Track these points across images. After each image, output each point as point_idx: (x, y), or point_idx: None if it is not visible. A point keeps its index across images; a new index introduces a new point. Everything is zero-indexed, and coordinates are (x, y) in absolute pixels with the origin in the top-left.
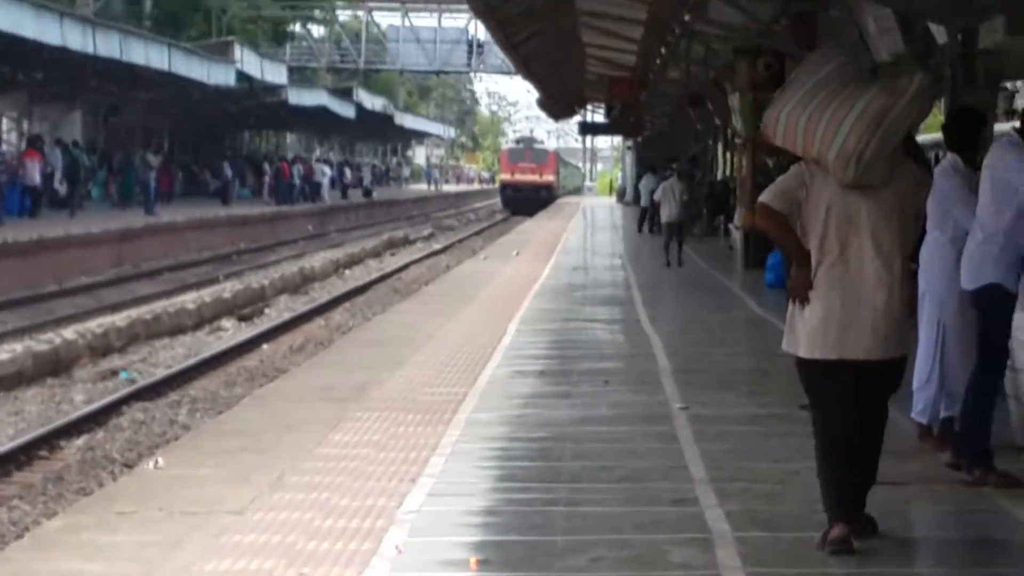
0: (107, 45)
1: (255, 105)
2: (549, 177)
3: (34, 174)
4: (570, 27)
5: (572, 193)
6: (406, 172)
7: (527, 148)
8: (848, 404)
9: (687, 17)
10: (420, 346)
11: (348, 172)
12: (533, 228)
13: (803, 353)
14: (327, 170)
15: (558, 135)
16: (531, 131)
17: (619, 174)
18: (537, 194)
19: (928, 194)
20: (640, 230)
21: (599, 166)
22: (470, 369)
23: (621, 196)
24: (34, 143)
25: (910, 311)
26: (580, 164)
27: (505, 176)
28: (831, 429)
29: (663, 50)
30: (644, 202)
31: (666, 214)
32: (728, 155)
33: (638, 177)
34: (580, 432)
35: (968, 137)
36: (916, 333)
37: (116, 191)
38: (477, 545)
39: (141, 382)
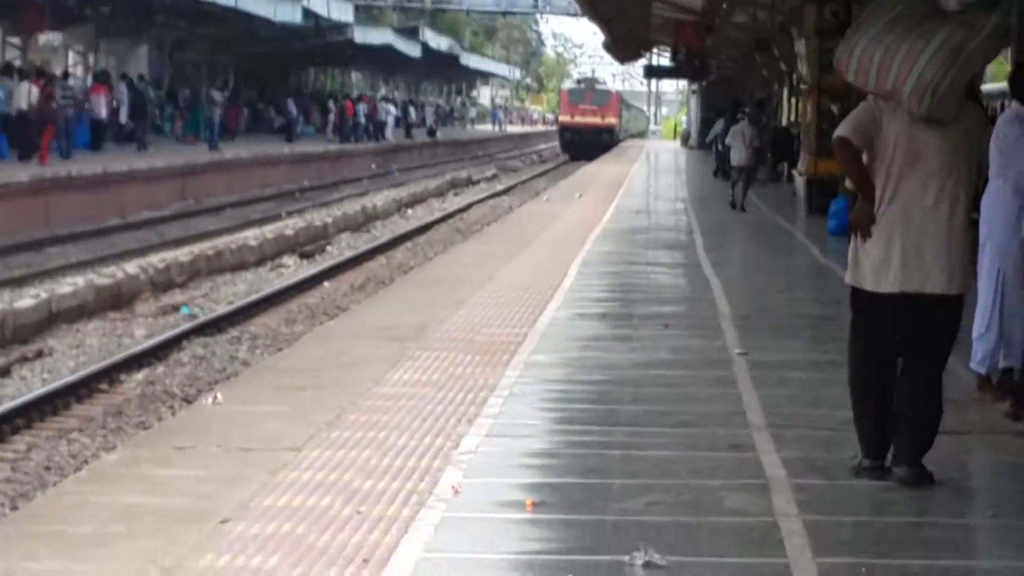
0: None
1: (321, 43)
2: (611, 120)
3: (100, 108)
4: None
5: (636, 136)
6: (471, 113)
7: (588, 89)
8: (888, 343)
9: None
10: (481, 286)
11: (413, 112)
12: (596, 170)
13: (869, 286)
14: (392, 109)
15: (623, 78)
16: (593, 71)
17: (684, 118)
18: (598, 138)
19: (989, 138)
20: (716, 174)
21: (664, 110)
22: (530, 310)
23: (685, 140)
24: (101, 77)
25: (971, 259)
26: (645, 107)
27: (564, 118)
28: (864, 363)
29: None
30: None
31: (735, 158)
32: (793, 101)
33: (703, 122)
34: (639, 376)
35: None
36: (976, 282)
37: (182, 127)
38: (533, 487)
39: (202, 317)
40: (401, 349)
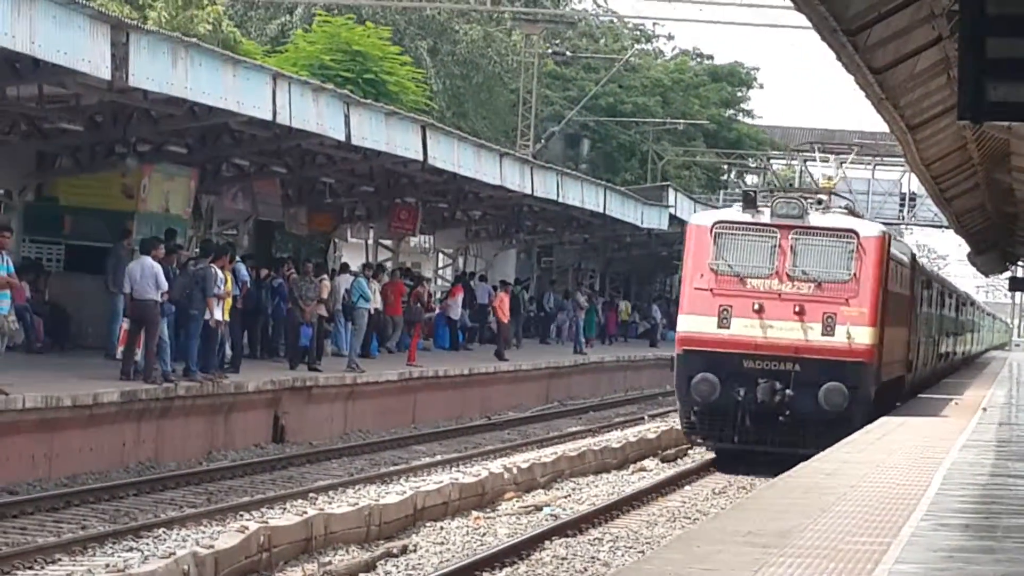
0: (544, 185)
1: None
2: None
3: (456, 309)
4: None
5: (997, 348)
6: None
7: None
8: None
9: None
10: (843, 494)
11: None
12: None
13: None
14: None
15: (987, 290)
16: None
17: None
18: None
19: None
20: None
21: None
22: (893, 519)
23: None
24: (458, 280)
25: None
26: (1008, 319)
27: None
28: None
29: None
30: None
31: None
32: None
33: None
34: None
35: None
36: None
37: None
38: None
39: (564, 518)
40: (764, 555)
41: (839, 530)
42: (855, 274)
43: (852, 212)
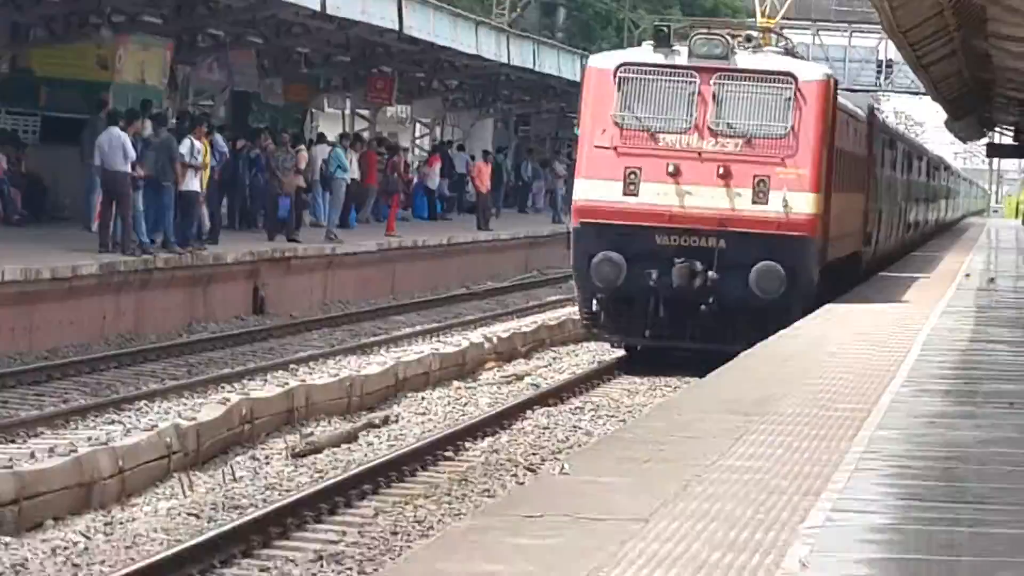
0: (520, 55)
1: None
2: (803, 190)
3: (435, 178)
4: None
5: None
6: None
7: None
8: None
9: None
10: (822, 361)
11: None
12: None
13: None
14: None
15: (964, 157)
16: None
17: None
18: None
19: None
20: None
21: (1004, 188)
22: (872, 386)
23: None
24: (436, 149)
25: None
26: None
27: (585, 193)
28: None
29: None
30: None
31: None
32: None
33: None
34: (984, 453)
35: None
36: None
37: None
38: (880, 562)
39: (545, 387)
40: (745, 422)
41: (819, 398)
42: (793, 127)
43: (791, 53)
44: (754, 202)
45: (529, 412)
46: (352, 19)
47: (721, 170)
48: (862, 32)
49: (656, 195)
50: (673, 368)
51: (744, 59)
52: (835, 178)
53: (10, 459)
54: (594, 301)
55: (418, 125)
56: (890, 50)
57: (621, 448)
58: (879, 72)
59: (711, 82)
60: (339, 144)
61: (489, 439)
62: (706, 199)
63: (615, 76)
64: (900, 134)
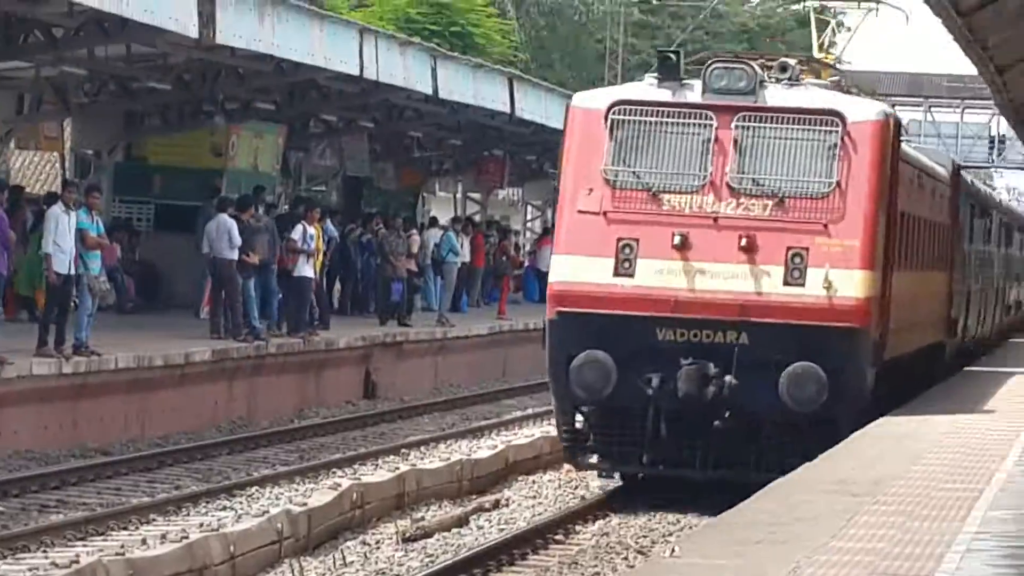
0: None
1: None
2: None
3: (545, 260)
4: None
5: None
6: None
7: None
8: None
9: None
10: (936, 441)
11: None
12: None
13: None
14: None
15: None
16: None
17: None
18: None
19: None
20: None
21: None
22: (986, 465)
23: None
24: (547, 231)
25: None
26: None
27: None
28: None
29: None
30: None
31: None
32: None
33: None
34: None
35: None
36: None
37: None
38: None
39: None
40: (857, 504)
41: (931, 478)
42: (839, 183)
43: (840, 87)
44: (787, 283)
45: (640, 494)
46: (464, 102)
47: (744, 241)
48: (974, 108)
49: (657, 275)
50: (678, 503)
51: (776, 94)
52: (899, 251)
53: (122, 546)
54: (576, 415)
55: (529, 208)
56: (1002, 125)
57: (731, 530)
58: (991, 148)
59: (732, 125)
60: (451, 228)
61: (600, 522)
62: (723, 280)
63: (606, 119)
64: (996, 201)
